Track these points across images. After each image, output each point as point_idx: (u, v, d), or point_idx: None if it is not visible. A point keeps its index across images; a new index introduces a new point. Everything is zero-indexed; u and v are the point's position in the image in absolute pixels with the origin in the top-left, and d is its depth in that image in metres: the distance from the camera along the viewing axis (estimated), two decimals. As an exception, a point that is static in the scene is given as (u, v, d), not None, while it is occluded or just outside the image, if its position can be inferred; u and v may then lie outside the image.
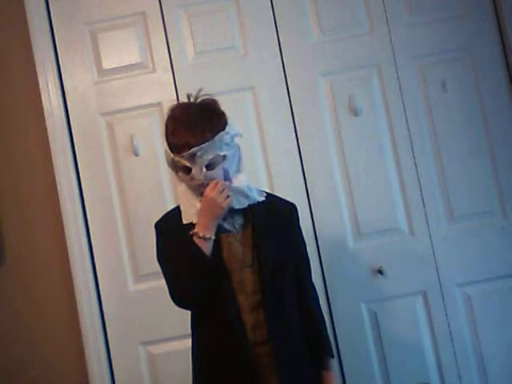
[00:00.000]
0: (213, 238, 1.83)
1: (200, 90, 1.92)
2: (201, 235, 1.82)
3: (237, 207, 1.89)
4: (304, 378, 1.92)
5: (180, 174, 1.88)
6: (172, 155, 1.85)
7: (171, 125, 1.87)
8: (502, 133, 2.69)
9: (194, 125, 1.82)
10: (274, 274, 1.88)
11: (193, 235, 1.83)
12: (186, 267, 1.82)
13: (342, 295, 2.63)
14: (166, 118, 1.90)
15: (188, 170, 1.84)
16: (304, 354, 1.93)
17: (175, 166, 1.87)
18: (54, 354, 2.65)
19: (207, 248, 1.82)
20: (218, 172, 1.84)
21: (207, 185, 1.83)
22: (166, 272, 1.89)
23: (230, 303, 1.85)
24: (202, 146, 1.80)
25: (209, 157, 1.82)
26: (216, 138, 1.82)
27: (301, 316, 1.95)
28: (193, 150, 1.79)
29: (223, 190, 1.83)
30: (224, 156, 1.85)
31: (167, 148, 1.87)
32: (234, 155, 1.89)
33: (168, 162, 1.90)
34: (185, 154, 1.81)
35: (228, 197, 1.84)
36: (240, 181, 1.90)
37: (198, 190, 1.87)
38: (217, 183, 1.83)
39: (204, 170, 1.82)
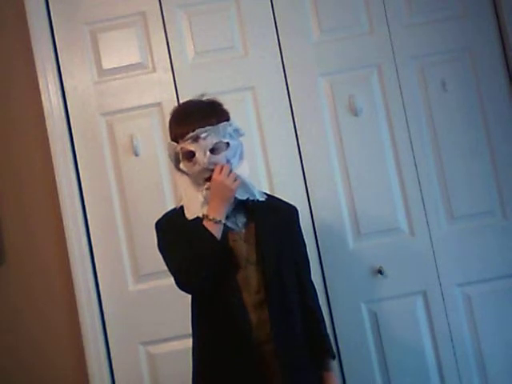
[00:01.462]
0: (223, 221, 1.84)
1: (202, 95, 1.95)
2: (211, 217, 1.82)
3: (238, 197, 1.90)
4: (307, 376, 1.92)
5: (183, 163, 1.88)
6: (175, 145, 1.87)
7: (176, 117, 1.91)
8: (502, 133, 2.69)
9: (199, 112, 1.86)
10: (278, 272, 1.89)
11: (203, 218, 1.83)
12: (195, 249, 1.81)
13: (342, 295, 2.63)
14: (170, 117, 1.93)
15: (191, 156, 1.85)
16: (306, 353, 1.94)
17: (178, 158, 1.88)
18: (54, 354, 2.65)
19: (217, 232, 1.82)
20: (221, 158, 1.86)
21: (211, 170, 1.85)
22: (170, 258, 1.88)
23: (235, 301, 1.85)
24: (207, 128, 1.83)
25: (213, 141, 1.84)
26: (220, 124, 1.86)
27: (302, 316, 1.95)
28: (197, 131, 1.82)
29: (230, 172, 1.85)
30: (227, 144, 1.87)
31: (170, 141, 1.90)
32: (236, 148, 1.91)
33: (170, 156, 1.91)
34: (189, 135, 1.82)
35: (236, 180, 1.86)
36: (242, 171, 1.91)
37: (201, 176, 1.88)
38: (222, 166, 1.85)
39: (208, 153, 1.84)
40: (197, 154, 1.84)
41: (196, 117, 1.85)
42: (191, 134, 1.83)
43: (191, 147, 1.84)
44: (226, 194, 1.84)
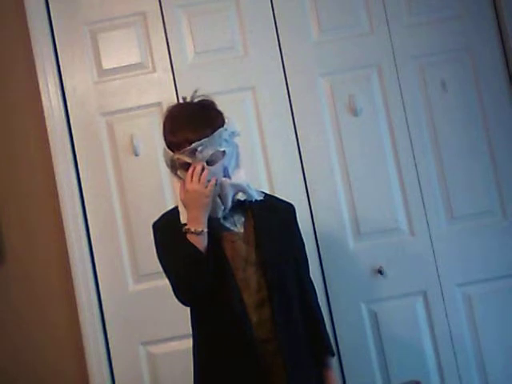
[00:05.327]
0: (205, 230, 1.81)
1: (196, 91, 1.92)
2: (193, 230, 1.80)
3: (242, 198, 1.89)
4: (309, 375, 1.92)
5: (180, 172, 1.87)
6: (171, 154, 1.85)
7: (170, 123, 1.87)
8: (502, 133, 2.70)
9: (194, 122, 1.82)
10: (279, 272, 1.89)
11: (186, 232, 1.81)
12: (183, 266, 1.81)
13: (342, 295, 2.63)
14: (163, 119, 1.91)
15: (188, 166, 1.83)
16: (308, 350, 1.94)
17: (174, 165, 1.87)
18: (54, 353, 2.65)
19: (201, 243, 1.80)
20: (218, 168, 1.84)
21: (208, 180, 1.82)
22: (167, 271, 1.89)
23: (235, 301, 1.84)
24: (203, 140, 1.79)
25: (209, 152, 1.81)
26: (216, 133, 1.82)
27: (301, 313, 1.95)
28: (193, 145, 1.79)
29: (200, 177, 1.80)
30: (224, 152, 1.85)
31: (166, 148, 1.87)
32: (232, 152, 1.89)
33: (167, 162, 1.90)
34: (185, 149, 1.80)
35: (209, 181, 1.81)
36: (239, 177, 1.90)
37: None
38: (191, 175, 1.81)
39: (205, 165, 1.82)
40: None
41: (190, 127, 1.81)
42: (187, 149, 1.79)
43: (188, 159, 1.81)
44: (202, 201, 1.81)
